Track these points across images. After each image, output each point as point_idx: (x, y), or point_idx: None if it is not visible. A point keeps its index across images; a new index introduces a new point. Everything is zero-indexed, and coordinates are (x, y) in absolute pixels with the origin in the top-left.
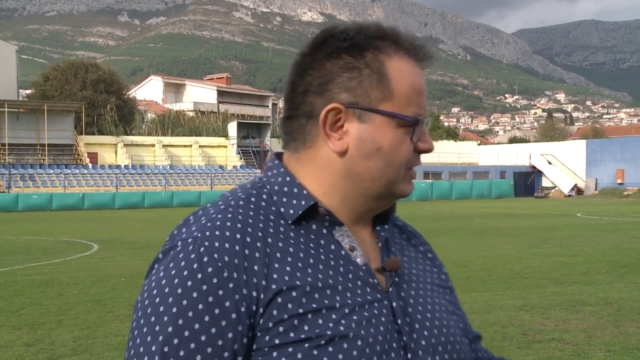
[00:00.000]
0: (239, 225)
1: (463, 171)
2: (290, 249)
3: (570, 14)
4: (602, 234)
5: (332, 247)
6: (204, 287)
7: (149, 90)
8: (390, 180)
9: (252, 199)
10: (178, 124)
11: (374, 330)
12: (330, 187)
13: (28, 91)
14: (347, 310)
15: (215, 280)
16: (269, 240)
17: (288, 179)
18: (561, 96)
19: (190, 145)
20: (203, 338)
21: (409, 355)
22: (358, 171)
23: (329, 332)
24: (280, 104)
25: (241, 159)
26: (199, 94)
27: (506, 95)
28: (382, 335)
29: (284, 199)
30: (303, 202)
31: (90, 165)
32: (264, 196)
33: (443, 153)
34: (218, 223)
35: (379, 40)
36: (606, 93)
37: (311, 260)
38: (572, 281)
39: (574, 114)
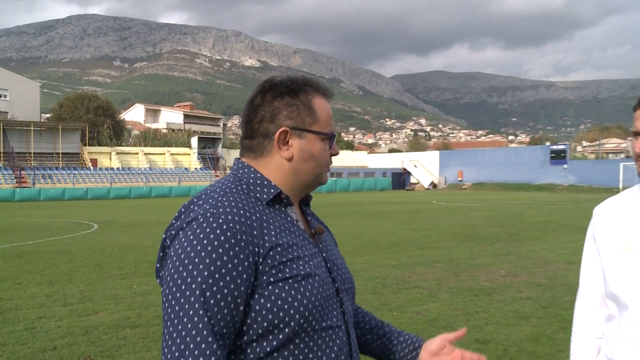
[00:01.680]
0: (239, 205)
1: (357, 172)
2: (270, 220)
3: (427, 66)
4: (449, 214)
5: (289, 219)
6: (226, 245)
7: (134, 114)
8: (318, 174)
9: (239, 188)
10: (155, 138)
11: (321, 270)
12: (282, 181)
13: (48, 115)
14: (307, 259)
15: (233, 241)
16: (257, 215)
17: (259, 175)
18: (423, 121)
19: (164, 154)
20: (228, 278)
21: (336, 285)
22: (300, 170)
23: (302, 272)
24: (229, 123)
25: (200, 163)
26: (171, 117)
27: (386, 119)
28: (325, 274)
29: (258, 188)
30: (272, 190)
31: (92, 167)
32: (244, 186)
33: (343, 159)
34: (226, 203)
35: (306, 86)
36: (451, 120)
37: (282, 227)
38: (429, 247)
39: (431, 133)
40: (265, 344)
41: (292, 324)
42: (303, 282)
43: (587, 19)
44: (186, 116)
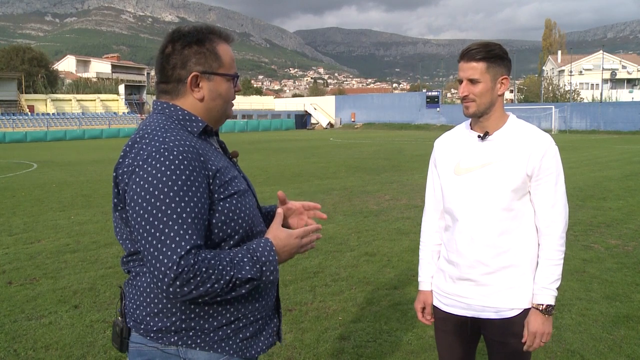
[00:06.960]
0: (183, 138)
1: (265, 114)
2: (206, 149)
3: (323, 23)
4: (343, 149)
5: (214, 147)
6: (186, 172)
7: (67, 65)
8: (225, 109)
9: (176, 123)
10: (86, 86)
11: (246, 187)
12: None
13: None
14: (238, 178)
15: (190, 167)
16: (197, 145)
17: (185, 112)
18: (321, 70)
19: (95, 100)
20: (190, 194)
21: (255, 197)
22: (210, 107)
23: (241, 189)
24: (152, 72)
25: (127, 108)
26: (100, 67)
27: (290, 69)
28: (248, 188)
29: (188, 123)
30: (201, 124)
31: (29, 113)
32: (176, 122)
33: (254, 103)
34: (172, 138)
35: (210, 34)
36: (345, 69)
37: (214, 154)
38: (327, 177)
39: (329, 81)
40: (220, 246)
41: (241, 231)
42: (243, 196)
43: None
44: (114, 66)
